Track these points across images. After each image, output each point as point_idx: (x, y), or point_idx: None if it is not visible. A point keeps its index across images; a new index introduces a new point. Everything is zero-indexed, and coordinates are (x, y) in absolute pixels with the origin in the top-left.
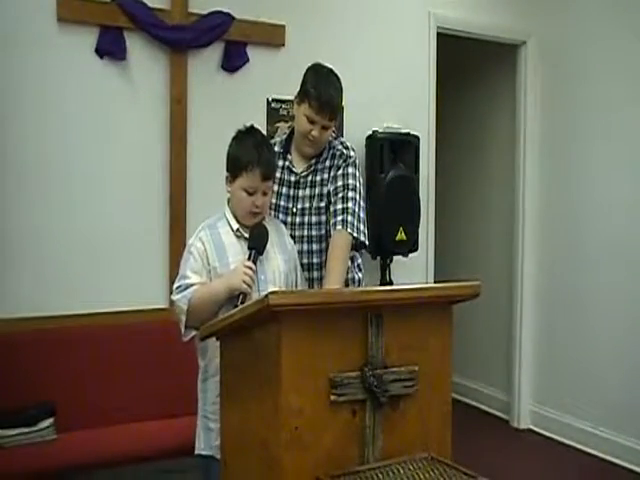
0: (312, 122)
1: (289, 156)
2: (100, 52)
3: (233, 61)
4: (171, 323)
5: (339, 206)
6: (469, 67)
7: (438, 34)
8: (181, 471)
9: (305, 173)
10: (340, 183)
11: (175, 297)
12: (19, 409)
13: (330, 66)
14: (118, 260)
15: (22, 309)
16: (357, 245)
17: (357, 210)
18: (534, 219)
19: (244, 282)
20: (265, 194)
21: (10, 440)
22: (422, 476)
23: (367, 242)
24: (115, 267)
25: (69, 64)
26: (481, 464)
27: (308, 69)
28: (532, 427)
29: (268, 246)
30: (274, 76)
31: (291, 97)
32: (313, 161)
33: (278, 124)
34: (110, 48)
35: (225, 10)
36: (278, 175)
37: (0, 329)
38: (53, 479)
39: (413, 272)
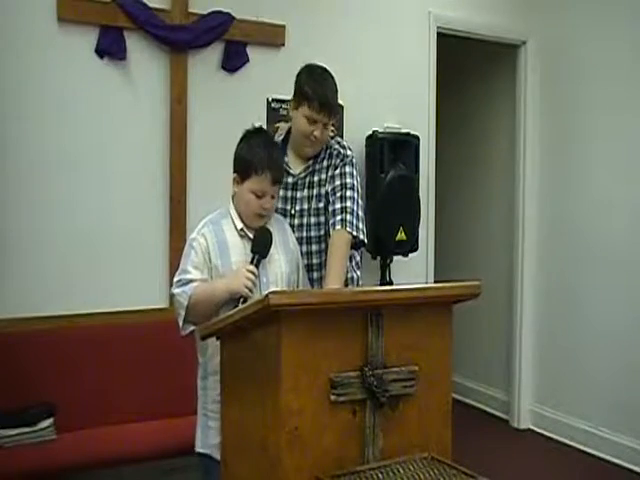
0: (313, 122)
1: (286, 158)
2: (100, 52)
3: (233, 61)
4: (171, 323)
5: (337, 205)
6: (469, 67)
7: (438, 34)
8: (181, 471)
9: (303, 174)
10: (338, 182)
11: (175, 291)
12: (19, 409)
13: (323, 65)
14: (118, 260)
15: (22, 309)
16: (356, 244)
17: (356, 209)
18: (534, 219)
19: (245, 286)
20: (273, 197)
21: (10, 440)
22: (422, 476)
23: (366, 241)
24: (115, 267)
25: (69, 64)
26: (481, 464)
27: (301, 70)
28: (532, 427)
29: (272, 248)
30: (274, 76)
31: (291, 97)
32: (310, 162)
33: (278, 124)
34: (110, 48)
35: (225, 10)
36: None
37: (0, 329)
38: (53, 479)
39: (413, 272)
